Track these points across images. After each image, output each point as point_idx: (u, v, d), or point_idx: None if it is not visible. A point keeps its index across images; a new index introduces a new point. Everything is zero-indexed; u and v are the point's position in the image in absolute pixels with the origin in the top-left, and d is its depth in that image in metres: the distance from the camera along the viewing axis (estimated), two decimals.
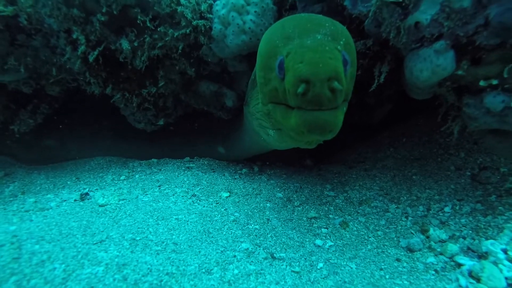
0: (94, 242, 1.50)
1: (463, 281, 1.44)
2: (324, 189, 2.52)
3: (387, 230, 2.06)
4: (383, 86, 1.96)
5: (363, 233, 2.03)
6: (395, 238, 1.97)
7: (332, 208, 2.29)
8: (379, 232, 2.04)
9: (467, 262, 1.54)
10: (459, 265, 1.57)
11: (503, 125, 1.51)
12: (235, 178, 2.64)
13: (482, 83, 1.46)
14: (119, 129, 3.25)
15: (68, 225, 1.68)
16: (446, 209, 2.14)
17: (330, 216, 2.20)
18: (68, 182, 2.79)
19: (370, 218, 2.18)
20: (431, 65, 1.52)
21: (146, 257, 1.40)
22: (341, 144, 3.35)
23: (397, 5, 1.53)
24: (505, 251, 1.50)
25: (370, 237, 1.99)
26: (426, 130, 2.88)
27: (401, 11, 1.53)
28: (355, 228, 2.07)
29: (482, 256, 1.56)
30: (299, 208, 2.24)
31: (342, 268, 1.59)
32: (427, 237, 1.89)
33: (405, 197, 2.35)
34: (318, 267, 1.55)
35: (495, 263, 1.45)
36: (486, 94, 1.47)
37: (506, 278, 1.37)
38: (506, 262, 1.43)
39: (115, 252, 1.42)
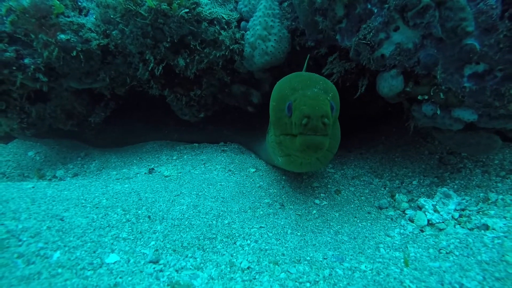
0: (174, 195, 2.60)
1: (403, 222, 2.44)
2: (327, 167, 3.51)
3: (368, 196, 3.04)
4: (372, 88, 2.87)
5: (350, 197, 3.02)
6: (373, 201, 2.95)
7: (330, 180, 3.28)
8: (362, 197, 3.02)
9: (409, 212, 2.52)
10: (406, 214, 2.55)
11: (435, 124, 2.44)
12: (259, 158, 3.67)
13: (420, 97, 2.39)
14: (167, 120, 4.34)
15: (154, 186, 2.79)
16: (414, 182, 3.09)
17: (329, 186, 3.20)
18: (134, 161, 3.93)
19: (358, 188, 3.16)
20: (388, 84, 2.46)
21: (208, 203, 2.48)
22: (346, 133, 4.29)
23: (367, 44, 2.46)
24: (434, 206, 2.46)
25: (355, 200, 2.98)
26: None
27: (369, 49, 2.46)
28: (345, 194, 3.06)
29: (420, 209, 2.52)
30: (306, 180, 3.25)
31: (329, 214, 2.61)
32: (394, 200, 2.86)
33: (387, 174, 3.31)
34: (312, 213, 2.58)
35: (424, 212, 2.42)
36: (423, 104, 2.40)
37: (428, 220, 2.35)
38: (430, 211, 2.41)
39: (189, 199, 2.51)
